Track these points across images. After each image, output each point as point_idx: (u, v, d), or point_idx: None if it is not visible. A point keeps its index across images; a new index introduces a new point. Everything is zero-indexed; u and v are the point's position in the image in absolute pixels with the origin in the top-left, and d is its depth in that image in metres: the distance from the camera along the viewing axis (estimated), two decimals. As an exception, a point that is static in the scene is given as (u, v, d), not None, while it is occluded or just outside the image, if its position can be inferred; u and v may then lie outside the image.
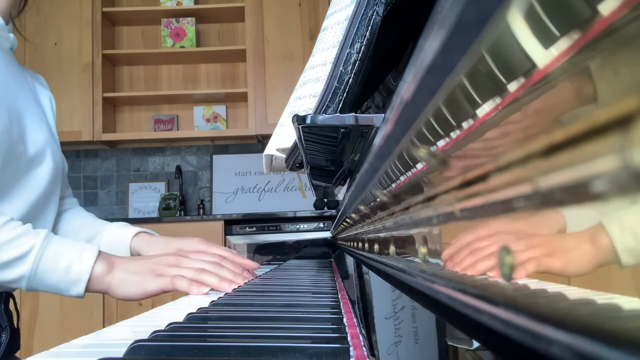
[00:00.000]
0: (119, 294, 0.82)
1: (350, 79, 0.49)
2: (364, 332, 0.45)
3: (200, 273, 0.82)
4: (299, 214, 2.67)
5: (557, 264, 0.13)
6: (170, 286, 0.81)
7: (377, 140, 0.29)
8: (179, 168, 3.07)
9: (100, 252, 0.83)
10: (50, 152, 0.97)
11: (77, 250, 0.81)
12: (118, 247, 1.02)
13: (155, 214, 3.03)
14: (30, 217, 0.92)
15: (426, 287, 0.24)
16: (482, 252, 0.17)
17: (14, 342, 0.91)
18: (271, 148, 0.70)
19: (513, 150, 0.14)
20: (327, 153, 0.55)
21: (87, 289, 0.81)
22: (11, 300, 0.92)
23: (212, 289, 0.81)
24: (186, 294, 0.82)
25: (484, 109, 0.15)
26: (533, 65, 0.12)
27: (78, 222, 1.10)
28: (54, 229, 1.08)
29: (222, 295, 0.74)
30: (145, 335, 0.41)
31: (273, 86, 2.94)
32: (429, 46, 0.16)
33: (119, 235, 1.04)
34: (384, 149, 0.28)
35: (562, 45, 0.10)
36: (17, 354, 0.93)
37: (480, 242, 0.17)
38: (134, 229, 1.05)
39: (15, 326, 0.93)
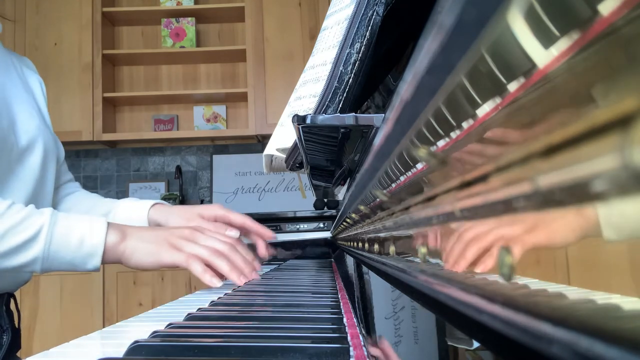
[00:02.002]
0: (132, 261, 0.81)
1: (350, 79, 0.49)
2: (364, 332, 0.45)
3: (215, 255, 0.80)
4: (299, 214, 2.67)
5: (541, 237, 0.13)
6: (184, 264, 0.79)
7: (377, 140, 0.29)
8: (179, 168, 3.07)
9: (109, 223, 0.81)
10: (42, 140, 0.95)
11: (87, 223, 0.80)
12: (135, 221, 1.00)
13: (155, 214, 3.03)
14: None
15: (426, 287, 0.24)
16: (480, 250, 0.17)
17: (15, 341, 0.91)
18: (271, 148, 0.70)
19: (513, 150, 0.14)
20: (327, 153, 0.55)
21: (104, 261, 0.80)
22: (12, 301, 0.92)
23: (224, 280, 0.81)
24: (185, 292, 0.81)
25: (484, 109, 0.15)
26: (533, 65, 0.12)
27: (86, 203, 1.08)
28: (62, 209, 1.05)
29: (222, 295, 0.74)
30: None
31: (273, 86, 2.94)
32: (429, 46, 0.16)
33: (134, 209, 1.02)
34: (384, 149, 0.28)
35: (562, 45, 0.10)
36: (18, 354, 0.93)
37: (478, 239, 0.17)
38: (148, 201, 1.03)
39: (16, 326, 0.93)
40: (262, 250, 1.00)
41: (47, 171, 0.97)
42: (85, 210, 1.06)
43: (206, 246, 0.81)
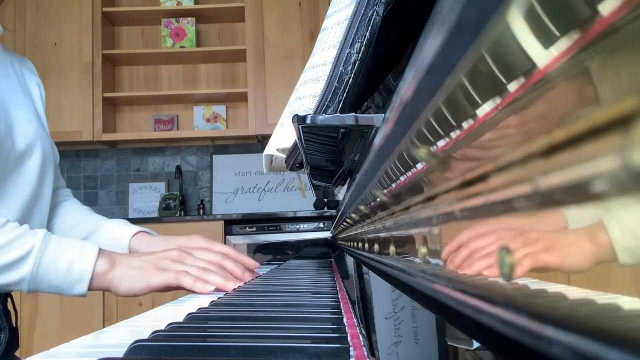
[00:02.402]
0: (121, 289, 0.80)
1: (350, 79, 0.49)
2: (364, 332, 0.45)
3: (205, 272, 0.80)
4: (299, 214, 2.67)
5: (554, 260, 0.13)
6: (174, 281, 0.79)
7: (377, 140, 0.29)
8: (179, 168, 3.07)
9: (100, 250, 0.81)
10: (40, 144, 0.93)
11: (78, 248, 0.79)
12: (116, 247, 1.00)
13: (155, 214, 3.03)
14: (25, 213, 0.90)
15: (426, 287, 0.24)
16: (480, 250, 0.17)
17: (13, 341, 0.91)
18: (271, 148, 0.70)
19: (513, 150, 0.14)
20: (327, 153, 0.55)
21: (89, 288, 0.80)
22: (9, 300, 0.92)
23: (215, 289, 0.80)
24: (185, 292, 0.81)
25: (484, 109, 0.15)
26: (533, 65, 0.12)
27: (73, 217, 1.07)
28: (49, 223, 1.05)
29: (222, 295, 0.74)
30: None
31: (273, 86, 2.94)
32: (429, 46, 0.16)
33: (117, 234, 1.02)
34: (384, 149, 0.28)
35: (562, 45, 0.10)
36: (17, 353, 0.93)
37: (478, 239, 0.17)
38: (133, 228, 1.03)
39: (14, 325, 0.93)
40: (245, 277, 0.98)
41: (45, 176, 0.96)
42: (70, 226, 1.05)
43: (194, 265, 0.82)
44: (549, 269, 0.13)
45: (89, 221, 1.06)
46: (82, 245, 0.80)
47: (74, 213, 1.08)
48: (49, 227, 1.05)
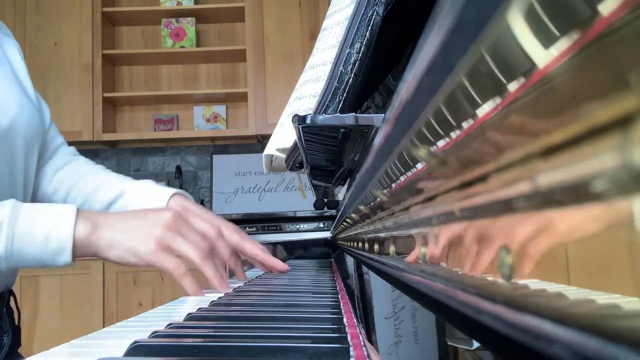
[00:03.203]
0: (111, 257, 0.73)
1: (350, 79, 0.49)
2: (364, 332, 0.45)
3: (204, 258, 0.73)
4: (299, 214, 2.67)
5: (559, 230, 0.12)
6: (174, 273, 0.72)
7: (377, 140, 0.29)
8: (179, 168, 3.07)
9: (79, 211, 0.73)
10: (26, 118, 0.84)
11: (52, 215, 0.71)
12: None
13: (155, 214, 3.02)
14: (11, 196, 0.82)
15: (426, 287, 0.24)
16: (483, 250, 0.17)
17: (16, 339, 0.90)
18: (271, 148, 0.70)
19: (513, 150, 0.14)
20: (327, 153, 0.55)
21: (76, 255, 0.72)
22: (12, 299, 0.92)
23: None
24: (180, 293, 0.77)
25: (484, 109, 0.15)
26: (533, 65, 0.12)
27: (94, 178, 0.96)
28: (62, 188, 0.95)
29: (222, 295, 0.74)
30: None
31: (273, 86, 2.94)
32: (429, 46, 0.16)
33: (152, 195, 0.90)
34: (384, 149, 0.28)
35: (562, 45, 0.10)
36: (19, 350, 0.93)
37: (482, 240, 0.17)
38: (167, 190, 0.91)
39: (17, 324, 0.92)
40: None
41: (32, 154, 0.87)
42: (95, 187, 0.95)
43: (193, 240, 0.74)
44: (551, 244, 0.12)
45: (112, 182, 0.96)
46: (57, 209, 0.72)
47: (93, 173, 0.98)
48: (65, 193, 0.96)
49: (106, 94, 2.94)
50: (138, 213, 0.77)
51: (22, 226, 0.69)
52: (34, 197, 0.97)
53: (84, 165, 1.01)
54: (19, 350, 0.92)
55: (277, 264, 0.93)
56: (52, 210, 0.72)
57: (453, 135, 0.18)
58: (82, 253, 0.73)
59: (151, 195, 0.92)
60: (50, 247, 0.70)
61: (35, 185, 0.96)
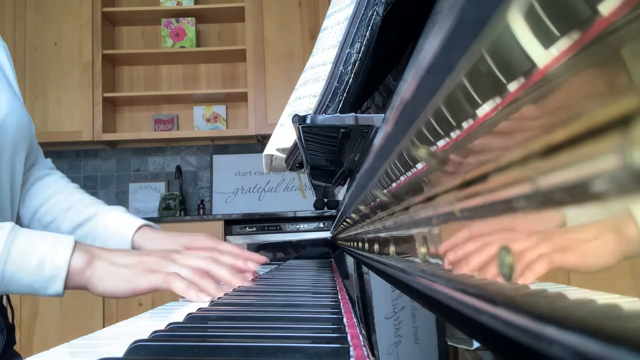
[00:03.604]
0: (100, 288, 0.70)
1: (350, 79, 0.49)
2: (364, 332, 0.45)
3: (198, 275, 0.72)
4: (299, 214, 2.67)
5: (572, 259, 0.12)
6: (163, 284, 0.70)
7: (377, 140, 0.29)
8: (179, 168, 3.07)
9: (76, 243, 0.71)
10: (16, 117, 0.83)
11: (50, 242, 0.69)
12: (117, 241, 0.90)
13: (155, 214, 3.03)
14: None
15: (426, 287, 0.24)
16: (484, 250, 0.17)
17: (10, 337, 0.90)
18: (271, 148, 0.70)
19: (513, 150, 0.14)
20: (327, 153, 0.56)
21: (66, 286, 0.70)
22: (5, 297, 0.91)
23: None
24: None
25: (484, 109, 0.15)
26: (533, 65, 0.12)
27: (65, 199, 0.95)
28: (32, 204, 0.93)
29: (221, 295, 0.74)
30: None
31: (273, 86, 2.94)
32: (429, 46, 0.16)
33: (117, 227, 0.91)
34: (384, 149, 0.28)
35: (562, 45, 0.10)
36: (15, 348, 0.92)
37: (482, 240, 0.17)
38: (135, 220, 0.92)
39: (11, 322, 0.92)
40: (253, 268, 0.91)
41: (18, 154, 0.86)
42: (65, 208, 0.94)
43: (186, 264, 0.73)
44: (567, 269, 0.12)
45: (84, 204, 0.95)
46: (55, 238, 0.70)
47: (66, 192, 0.97)
48: (34, 209, 0.95)
49: (106, 94, 2.94)
50: (134, 251, 0.77)
51: (18, 250, 0.68)
52: None
53: (60, 181, 1.00)
54: (17, 350, 0.92)
55: (254, 256, 0.92)
56: (49, 237, 0.71)
57: (453, 135, 0.18)
58: (74, 285, 0.71)
59: (120, 222, 0.92)
60: (44, 274, 0.68)
61: None
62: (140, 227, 0.92)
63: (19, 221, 0.96)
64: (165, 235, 0.93)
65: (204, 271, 0.75)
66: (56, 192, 0.97)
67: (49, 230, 0.94)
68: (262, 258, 0.89)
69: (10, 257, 0.67)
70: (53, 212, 0.95)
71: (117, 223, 0.92)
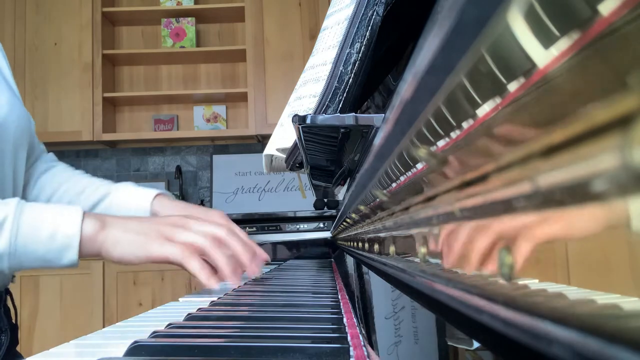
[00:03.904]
0: (115, 254, 0.70)
1: (350, 79, 0.49)
2: (364, 332, 0.45)
3: (214, 245, 0.70)
4: (299, 214, 2.67)
5: (555, 228, 0.12)
6: (179, 259, 0.68)
7: (377, 140, 0.29)
8: (179, 168, 3.07)
9: (85, 212, 0.71)
10: (16, 116, 0.83)
11: (58, 211, 0.69)
12: (136, 212, 0.89)
13: (155, 214, 3.02)
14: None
15: (426, 287, 0.24)
16: (484, 250, 0.17)
17: (13, 338, 0.90)
18: (271, 148, 0.70)
19: (513, 150, 0.14)
20: (327, 153, 0.56)
21: (80, 254, 0.69)
22: (8, 298, 0.91)
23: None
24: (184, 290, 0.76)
25: (484, 109, 0.15)
26: (533, 65, 0.12)
27: (75, 183, 0.96)
28: (42, 195, 0.94)
29: (221, 295, 0.74)
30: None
31: (273, 86, 2.94)
32: (429, 46, 0.16)
33: (135, 197, 0.90)
34: (384, 149, 0.28)
35: (562, 45, 0.10)
36: (17, 348, 0.93)
37: (482, 239, 0.17)
38: (150, 190, 0.92)
39: (14, 322, 0.92)
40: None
41: (19, 151, 0.87)
42: (77, 192, 0.94)
43: (202, 231, 0.71)
44: (552, 239, 0.12)
45: (95, 186, 0.96)
46: (63, 207, 0.70)
47: (74, 179, 0.98)
48: (45, 200, 0.95)
49: (106, 94, 2.94)
50: (146, 218, 0.76)
51: (27, 221, 0.67)
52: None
53: (66, 170, 1.01)
54: (18, 350, 0.92)
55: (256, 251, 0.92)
56: (58, 207, 0.70)
57: (453, 135, 0.18)
58: (87, 252, 0.70)
59: (135, 195, 0.92)
60: (57, 243, 0.68)
61: (20, 190, 0.95)
62: (156, 195, 0.91)
63: None
64: (181, 205, 0.92)
65: (219, 239, 0.73)
66: (65, 180, 0.97)
67: None
68: (266, 255, 0.88)
69: (20, 231, 0.66)
70: (65, 199, 0.95)
71: (132, 197, 0.92)
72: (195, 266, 0.68)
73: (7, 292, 0.91)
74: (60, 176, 0.98)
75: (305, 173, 0.70)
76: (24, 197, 0.96)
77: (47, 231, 0.67)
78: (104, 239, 0.70)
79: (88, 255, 0.71)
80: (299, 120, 0.46)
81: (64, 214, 0.69)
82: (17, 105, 0.86)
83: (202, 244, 0.70)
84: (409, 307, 0.32)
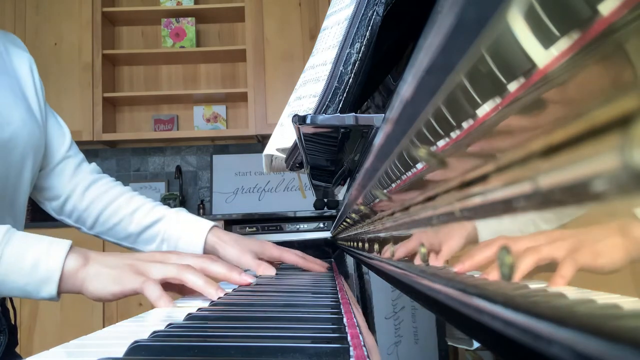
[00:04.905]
0: (91, 289, 0.69)
1: (350, 79, 0.49)
2: (363, 332, 0.45)
3: (184, 269, 0.69)
4: (299, 214, 2.67)
5: (583, 259, 0.11)
6: (139, 289, 0.67)
7: (377, 140, 0.29)
8: (179, 168, 3.07)
9: (72, 246, 0.71)
10: (27, 133, 0.85)
11: (45, 244, 0.69)
12: (190, 241, 0.91)
13: (155, 214, 3.03)
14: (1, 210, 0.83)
15: (426, 287, 0.24)
16: (484, 250, 0.17)
17: (12, 338, 0.90)
18: (271, 148, 0.70)
19: (513, 150, 0.14)
20: (327, 153, 0.56)
21: (60, 289, 0.70)
22: (7, 299, 0.92)
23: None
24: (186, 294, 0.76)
25: (484, 109, 0.15)
26: (533, 65, 0.12)
27: (128, 202, 0.97)
28: (92, 209, 0.97)
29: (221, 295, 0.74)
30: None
31: (273, 86, 2.94)
32: (429, 46, 0.16)
33: (189, 228, 0.92)
34: (384, 149, 0.28)
35: (562, 45, 0.10)
36: (17, 349, 0.93)
37: (482, 240, 0.17)
38: (207, 222, 0.94)
39: (13, 323, 0.92)
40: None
41: (24, 169, 0.88)
42: (130, 211, 0.96)
43: (175, 264, 0.71)
44: (579, 269, 0.12)
45: (148, 207, 0.97)
46: (50, 241, 0.70)
47: (125, 196, 0.99)
48: (97, 213, 0.98)
49: (106, 94, 2.94)
50: (128, 253, 0.76)
51: (12, 251, 0.68)
52: (62, 210, 1.00)
53: (116, 186, 1.03)
54: (17, 351, 0.92)
55: (315, 266, 0.98)
56: (45, 240, 0.70)
57: (453, 135, 0.18)
58: (67, 288, 0.70)
59: (190, 224, 0.94)
60: (38, 276, 0.68)
61: (64, 200, 0.99)
62: (212, 228, 0.94)
63: (81, 227, 1.01)
64: (234, 238, 0.94)
65: (197, 268, 0.73)
66: (116, 196, 1.00)
67: (115, 233, 0.99)
68: (322, 268, 0.94)
69: (4, 258, 0.67)
70: (118, 215, 0.98)
71: (187, 225, 0.95)
72: (153, 294, 0.66)
73: None
74: (111, 192, 1.01)
75: (305, 173, 0.70)
76: (68, 207, 1.00)
77: (29, 262, 0.68)
78: (84, 275, 0.70)
79: (68, 290, 0.71)
80: (299, 120, 0.46)
81: (50, 248, 0.69)
82: (30, 122, 0.87)
83: (173, 273, 0.69)
84: (409, 307, 0.32)
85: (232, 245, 0.93)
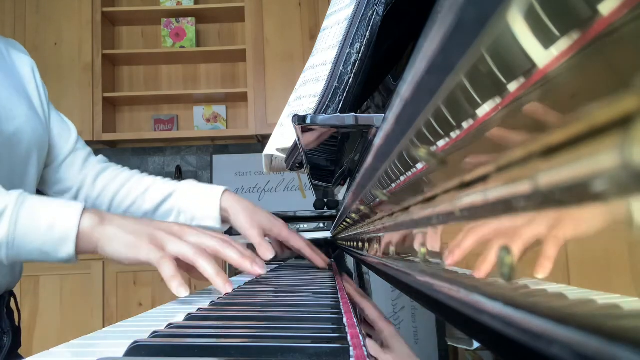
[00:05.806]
0: (108, 250, 0.70)
1: (350, 79, 0.49)
2: (363, 332, 0.45)
3: (200, 254, 0.70)
4: (299, 214, 2.67)
5: (555, 228, 0.12)
6: (155, 265, 0.68)
7: (377, 140, 0.29)
8: (179, 168, 3.07)
9: (85, 207, 0.72)
10: (31, 129, 0.87)
11: (59, 204, 0.71)
12: (205, 209, 0.92)
13: (155, 214, 3.03)
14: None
15: (426, 287, 0.24)
16: (484, 250, 0.17)
17: (16, 340, 0.91)
18: (271, 148, 0.70)
19: (513, 150, 0.14)
20: (327, 153, 0.56)
21: (78, 249, 0.70)
22: (12, 299, 0.92)
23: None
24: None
25: (484, 109, 0.15)
26: (533, 65, 0.12)
27: (138, 182, 0.99)
28: (105, 194, 0.98)
29: (222, 295, 0.74)
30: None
31: (273, 86, 2.94)
32: (429, 46, 0.16)
33: (204, 192, 0.94)
34: (384, 149, 0.28)
35: (562, 45, 0.10)
36: (19, 351, 0.93)
37: (482, 239, 0.17)
38: (218, 188, 0.96)
39: (17, 324, 0.93)
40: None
41: (28, 165, 0.89)
42: (142, 190, 0.98)
43: (192, 242, 0.71)
44: (552, 238, 0.12)
45: (159, 184, 0.99)
46: (65, 202, 0.72)
47: (135, 178, 1.01)
48: (110, 198, 0.99)
49: (106, 94, 2.94)
50: (147, 220, 0.77)
51: (27, 212, 0.68)
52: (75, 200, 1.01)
53: (124, 170, 1.05)
54: (18, 351, 0.92)
55: (318, 259, 0.98)
56: (58, 201, 0.72)
57: (453, 135, 0.18)
58: (84, 247, 0.71)
59: (201, 193, 0.95)
60: (55, 235, 0.68)
61: (76, 191, 1.00)
62: (225, 191, 0.96)
63: None
64: (247, 206, 0.96)
65: (211, 250, 0.73)
66: (126, 179, 1.02)
67: (131, 214, 1.00)
68: (323, 263, 0.93)
69: (20, 221, 0.68)
70: (131, 197, 1.00)
71: (201, 189, 0.96)
72: (167, 272, 0.67)
73: (11, 294, 0.91)
74: (121, 176, 1.02)
75: (305, 173, 0.70)
76: (81, 198, 1.01)
77: (45, 223, 0.68)
78: (100, 234, 0.71)
79: (86, 251, 0.72)
80: (299, 120, 0.46)
81: (63, 208, 0.70)
82: (33, 119, 0.89)
83: (189, 254, 0.70)
84: (409, 307, 0.32)
85: (243, 215, 0.94)
